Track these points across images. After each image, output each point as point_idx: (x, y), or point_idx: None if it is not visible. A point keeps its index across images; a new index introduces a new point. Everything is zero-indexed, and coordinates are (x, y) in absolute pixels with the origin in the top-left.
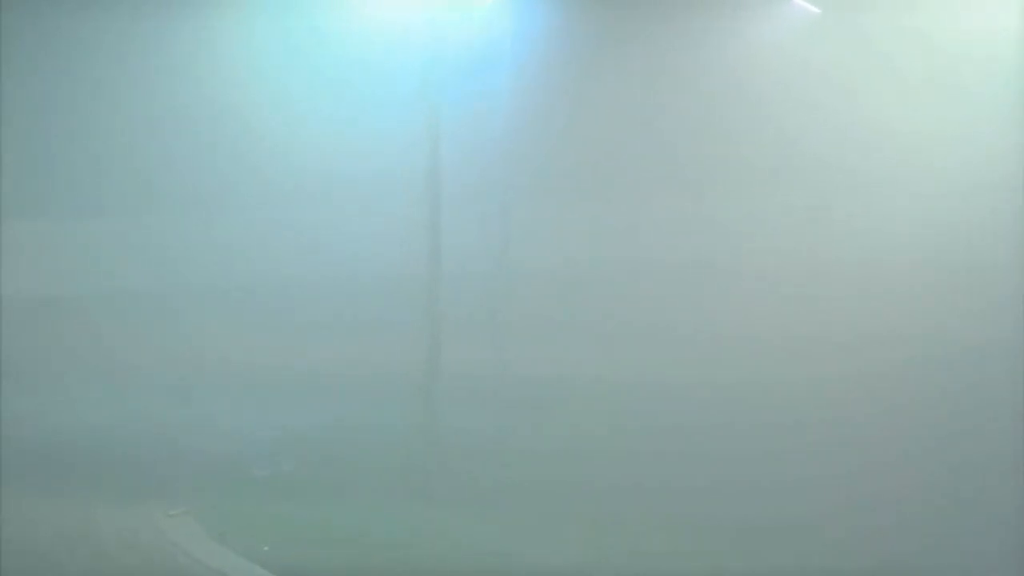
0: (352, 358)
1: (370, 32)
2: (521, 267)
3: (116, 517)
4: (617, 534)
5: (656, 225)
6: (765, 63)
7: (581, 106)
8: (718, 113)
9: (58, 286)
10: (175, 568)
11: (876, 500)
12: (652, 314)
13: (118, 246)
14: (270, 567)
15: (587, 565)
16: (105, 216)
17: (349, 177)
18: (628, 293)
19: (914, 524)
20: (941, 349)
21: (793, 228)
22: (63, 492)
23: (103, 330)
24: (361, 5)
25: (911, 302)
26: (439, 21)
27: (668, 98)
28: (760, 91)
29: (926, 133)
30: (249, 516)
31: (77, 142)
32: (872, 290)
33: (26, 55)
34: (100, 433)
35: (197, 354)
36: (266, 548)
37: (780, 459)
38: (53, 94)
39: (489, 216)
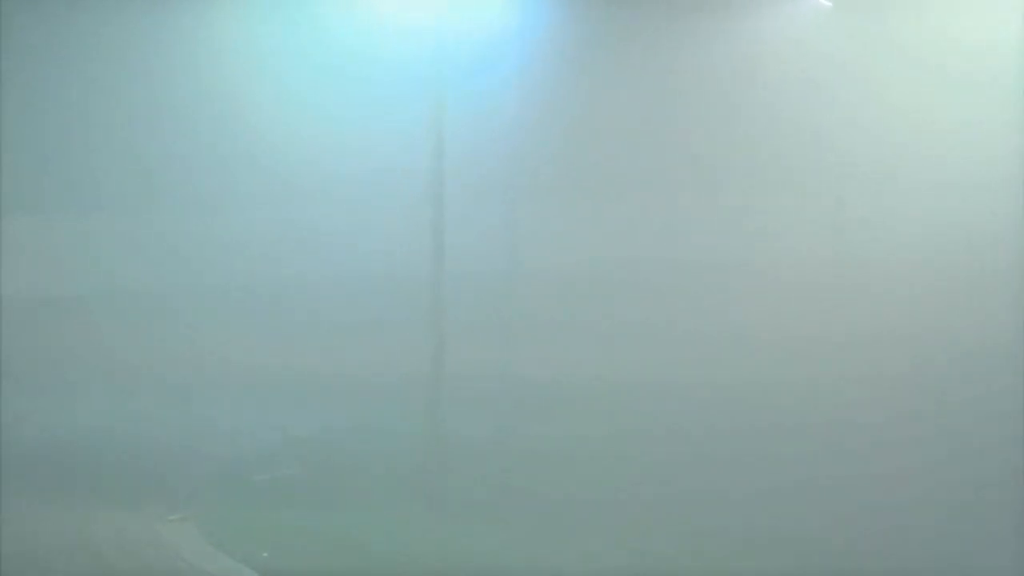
0: (354, 359)
1: (375, 30)
2: (526, 267)
3: (116, 522)
4: (621, 536)
5: (662, 225)
6: (770, 59)
7: (588, 105)
8: (725, 112)
9: (58, 286)
10: (174, 573)
11: (876, 501)
12: (658, 315)
13: (118, 245)
14: (270, 573)
15: (590, 567)
16: (105, 215)
17: (352, 176)
18: (634, 294)
19: (914, 524)
20: (943, 349)
21: (796, 230)
22: (62, 497)
23: (103, 330)
24: (366, 4)
25: (912, 302)
26: (444, 20)
27: (674, 97)
28: (766, 89)
29: (935, 131)
30: (249, 521)
31: (77, 141)
32: (874, 290)
33: (26, 54)
34: (100, 435)
35: (197, 355)
36: (265, 554)
37: (784, 461)
38: (53, 93)
39: (493, 215)
